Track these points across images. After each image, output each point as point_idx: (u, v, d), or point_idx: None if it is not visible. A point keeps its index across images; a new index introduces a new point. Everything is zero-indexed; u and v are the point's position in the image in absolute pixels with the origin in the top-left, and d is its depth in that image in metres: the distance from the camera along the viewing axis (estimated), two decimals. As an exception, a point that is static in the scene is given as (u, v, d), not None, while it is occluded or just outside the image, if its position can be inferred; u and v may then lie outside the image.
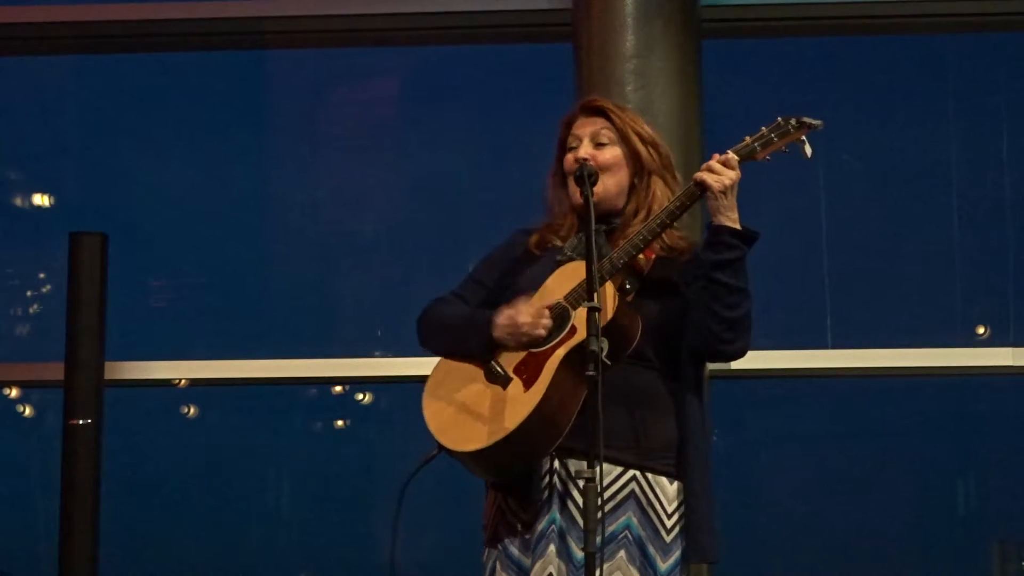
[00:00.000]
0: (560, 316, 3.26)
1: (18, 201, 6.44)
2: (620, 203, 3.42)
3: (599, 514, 3.13)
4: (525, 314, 3.26)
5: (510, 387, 3.24)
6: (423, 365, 5.72)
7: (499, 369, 3.28)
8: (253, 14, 6.02)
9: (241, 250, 6.29)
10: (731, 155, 3.25)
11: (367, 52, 6.31)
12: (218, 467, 6.25)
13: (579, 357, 3.16)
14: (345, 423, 6.36)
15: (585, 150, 3.40)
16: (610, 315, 3.20)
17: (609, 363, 3.12)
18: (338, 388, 6.26)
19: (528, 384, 3.22)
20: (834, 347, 5.80)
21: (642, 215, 3.39)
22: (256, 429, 6.28)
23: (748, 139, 3.28)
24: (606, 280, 3.22)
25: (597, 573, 3.09)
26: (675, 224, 3.35)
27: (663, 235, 3.33)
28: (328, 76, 6.42)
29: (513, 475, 3.24)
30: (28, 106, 6.38)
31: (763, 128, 3.27)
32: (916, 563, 5.97)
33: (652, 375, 3.31)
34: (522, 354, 3.27)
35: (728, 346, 3.29)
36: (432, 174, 6.25)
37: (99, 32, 6.08)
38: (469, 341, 3.33)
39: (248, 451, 6.26)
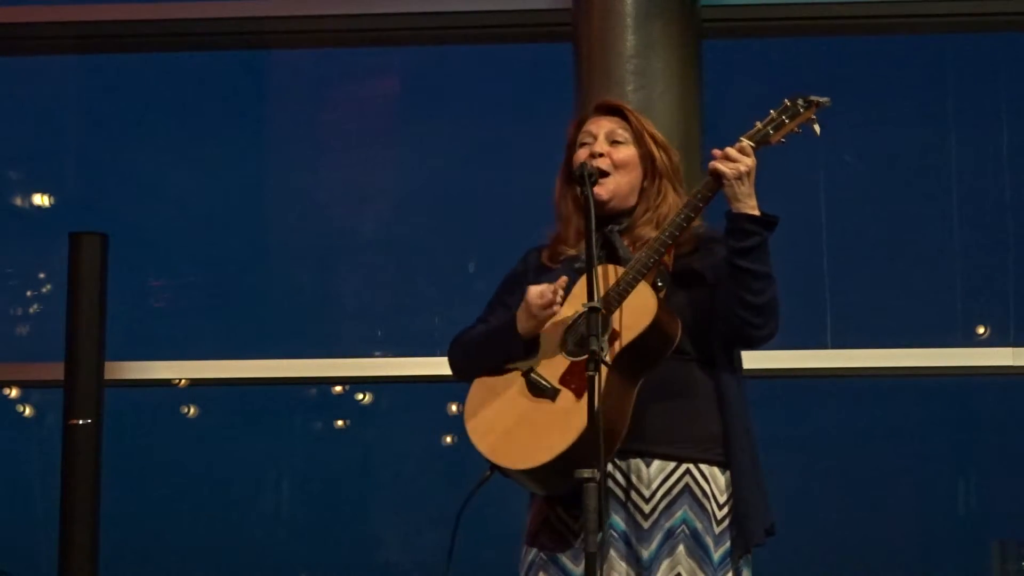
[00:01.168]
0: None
1: (18, 201, 6.44)
2: (631, 202, 3.42)
3: (645, 514, 3.22)
4: (531, 290, 3.24)
5: (560, 399, 3.21)
6: (423, 365, 5.76)
7: (543, 382, 3.25)
8: (253, 14, 6.02)
9: (241, 250, 6.29)
10: (745, 142, 3.25)
11: (367, 52, 6.31)
12: (218, 467, 6.25)
13: (628, 360, 3.18)
14: (345, 423, 6.36)
15: (600, 146, 3.40)
16: (652, 316, 3.20)
17: (609, 363, 3.12)
18: (338, 388, 6.26)
19: (579, 393, 3.18)
20: (834, 347, 5.80)
21: (650, 216, 3.39)
22: (256, 429, 6.28)
23: (759, 124, 3.29)
24: (638, 281, 3.23)
25: (663, 568, 3.18)
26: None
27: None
28: (328, 76, 6.42)
29: (575, 487, 3.15)
30: (28, 106, 6.38)
31: (772, 112, 3.28)
32: (916, 563, 5.97)
33: (692, 367, 3.32)
34: (565, 364, 3.25)
35: (758, 331, 3.30)
36: (432, 174, 6.25)
37: (99, 32, 6.08)
38: (502, 346, 3.31)
39: (248, 451, 6.26)
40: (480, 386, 3.36)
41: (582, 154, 3.41)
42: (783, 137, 3.28)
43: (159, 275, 6.33)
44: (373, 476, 6.31)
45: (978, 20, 5.90)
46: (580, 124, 3.48)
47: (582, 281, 3.28)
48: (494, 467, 3.25)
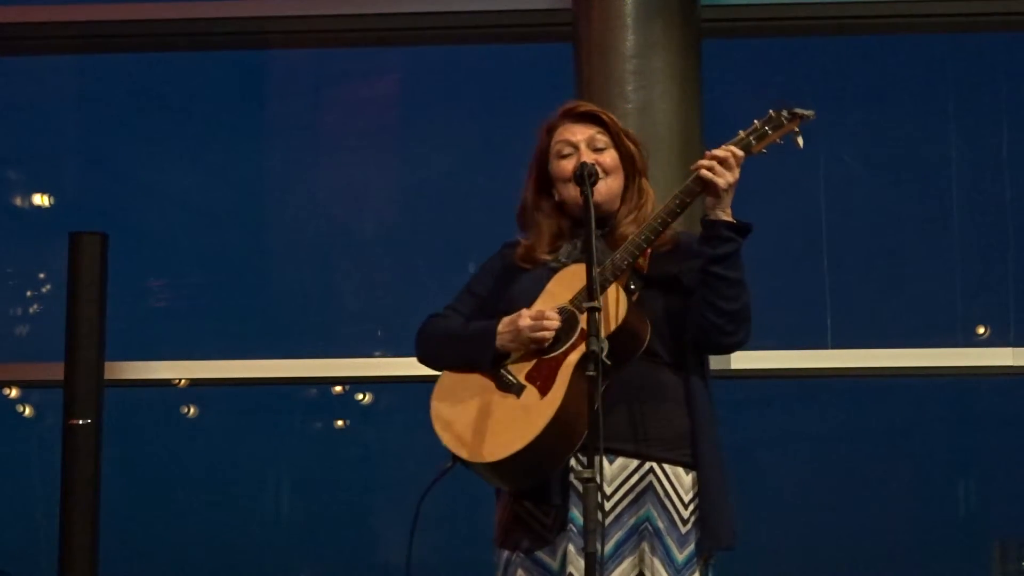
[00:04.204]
0: (568, 321, 3.25)
1: (18, 201, 6.44)
2: (615, 206, 3.43)
3: (605, 512, 3.21)
4: (526, 317, 3.26)
5: (524, 395, 3.22)
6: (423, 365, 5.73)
7: (510, 378, 3.26)
8: (253, 14, 6.02)
9: (241, 250, 6.29)
10: (737, 151, 3.25)
11: (367, 52, 6.31)
12: (218, 467, 6.25)
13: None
14: (345, 423, 6.36)
15: (587, 155, 3.38)
16: (621, 318, 3.20)
17: (609, 363, 3.12)
18: (338, 388, 6.26)
19: (543, 391, 3.20)
20: (834, 347, 5.80)
21: (633, 216, 3.41)
22: (256, 429, 6.28)
23: (742, 133, 3.28)
24: (611, 283, 3.22)
25: (624, 565, 3.20)
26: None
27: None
28: (328, 76, 6.42)
29: (535, 483, 3.20)
30: (28, 106, 6.38)
31: (756, 121, 3.28)
32: (916, 563, 5.97)
33: (663, 369, 3.33)
34: (532, 361, 3.26)
35: (729, 338, 3.31)
36: (432, 174, 6.25)
37: (99, 32, 6.08)
38: (474, 353, 3.31)
39: (248, 451, 6.26)
40: (450, 377, 3.36)
41: (567, 165, 3.38)
42: (764, 148, 3.28)
43: (159, 275, 6.33)
44: (373, 476, 6.31)
45: (978, 20, 5.90)
46: (550, 131, 3.46)
47: (556, 279, 3.29)
48: (456, 459, 3.25)
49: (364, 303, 6.32)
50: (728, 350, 3.38)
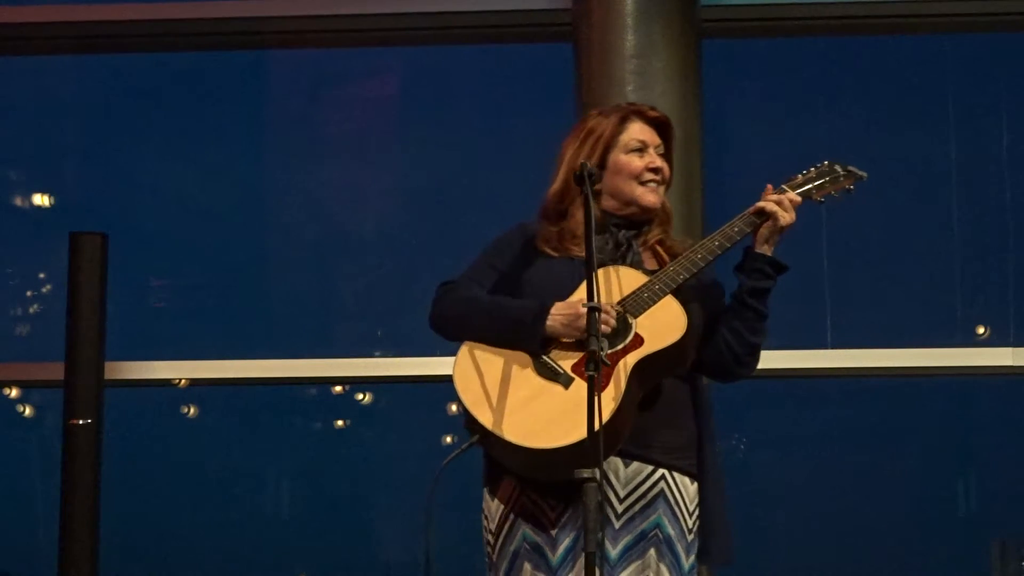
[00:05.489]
0: (621, 322, 3.25)
1: (18, 201, 6.44)
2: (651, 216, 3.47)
3: (618, 514, 3.25)
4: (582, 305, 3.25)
5: (573, 388, 3.21)
6: (423, 365, 5.75)
7: (555, 366, 3.25)
8: (253, 14, 6.02)
9: (241, 250, 6.29)
10: (797, 197, 3.36)
11: (367, 52, 6.31)
12: (218, 467, 6.25)
13: (647, 368, 3.21)
14: (345, 423, 6.36)
15: (658, 160, 3.43)
16: (682, 334, 3.24)
17: (608, 364, 3.13)
18: (338, 388, 6.26)
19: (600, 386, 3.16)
20: (834, 347, 5.80)
21: (662, 228, 3.46)
22: (256, 429, 6.28)
23: (800, 177, 3.41)
24: (663, 295, 3.27)
25: (630, 569, 3.21)
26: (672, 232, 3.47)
27: (668, 245, 3.42)
28: (328, 76, 6.42)
29: (567, 477, 3.12)
30: (28, 106, 6.38)
31: (813, 168, 3.42)
32: (916, 563, 5.97)
33: (676, 380, 3.35)
34: (578, 355, 3.25)
35: (743, 369, 3.39)
36: (432, 174, 6.25)
37: (99, 32, 6.08)
38: (520, 330, 3.27)
39: (248, 451, 6.26)
40: (473, 352, 3.33)
41: (638, 163, 3.41)
42: (822, 197, 3.41)
43: (159, 275, 6.33)
44: (373, 476, 6.31)
45: (978, 20, 5.90)
46: (623, 120, 3.47)
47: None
48: (484, 436, 3.22)
49: (363, 303, 6.32)
50: (733, 380, 3.44)
